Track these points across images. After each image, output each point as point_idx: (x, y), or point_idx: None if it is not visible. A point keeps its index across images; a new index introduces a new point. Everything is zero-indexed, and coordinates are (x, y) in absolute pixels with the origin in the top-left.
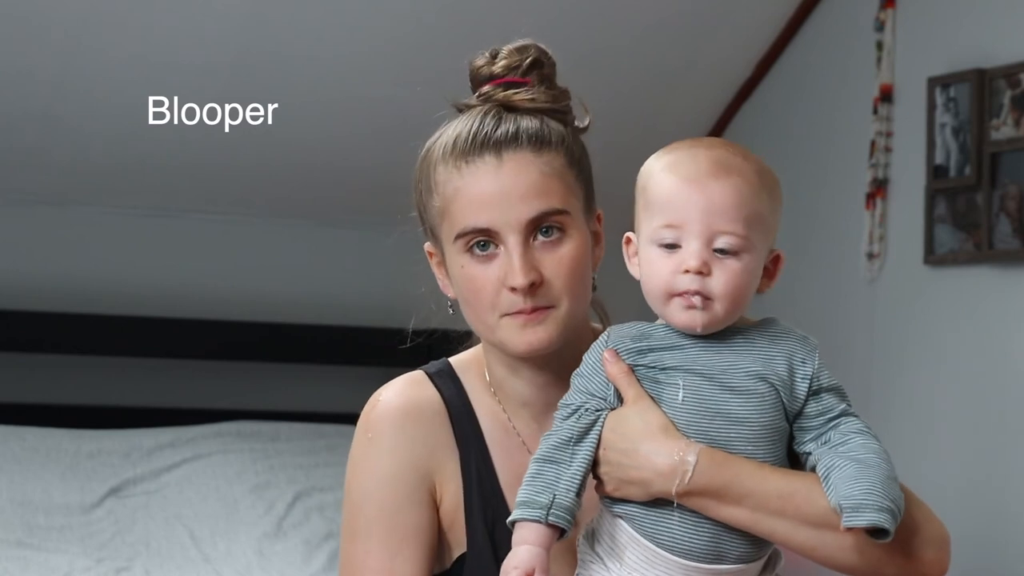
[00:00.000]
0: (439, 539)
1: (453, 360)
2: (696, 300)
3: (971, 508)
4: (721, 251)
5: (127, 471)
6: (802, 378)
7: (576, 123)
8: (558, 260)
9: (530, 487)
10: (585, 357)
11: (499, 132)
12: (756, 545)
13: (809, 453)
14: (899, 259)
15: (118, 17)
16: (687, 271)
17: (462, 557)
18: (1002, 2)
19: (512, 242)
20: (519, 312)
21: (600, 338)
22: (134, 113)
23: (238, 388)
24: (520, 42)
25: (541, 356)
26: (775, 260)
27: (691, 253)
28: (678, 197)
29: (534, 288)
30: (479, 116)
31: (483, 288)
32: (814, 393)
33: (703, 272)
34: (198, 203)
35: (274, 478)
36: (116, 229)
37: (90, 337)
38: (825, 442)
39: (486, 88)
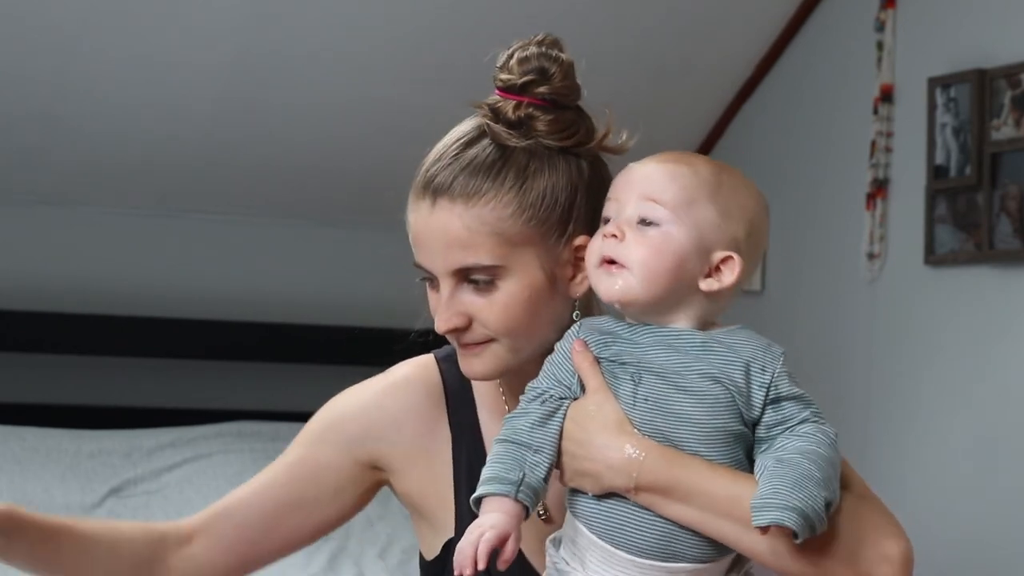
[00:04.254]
0: (422, 524)
1: None
2: (612, 268)
3: (970, 508)
4: (644, 221)
5: (128, 471)
6: (759, 386)
7: (578, 140)
8: (488, 306)
9: (498, 464)
10: (558, 345)
11: (443, 175)
12: (713, 546)
13: None
14: (899, 259)
15: (118, 17)
16: (604, 236)
17: (450, 542)
18: (1002, 2)
19: (442, 285)
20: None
21: (572, 328)
22: (134, 113)
23: (238, 388)
24: (530, 48)
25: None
26: (724, 260)
27: (610, 224)
28: (622, 176)
29: (458, 331)
30: (452, 140)
31: (432, 312)
32: (772, 401)
33: (616, 236)
34: (198, 203)
35: None
36: (116, 229)
37: (90, 337)
38: (769, 447)
39: (492, 97)
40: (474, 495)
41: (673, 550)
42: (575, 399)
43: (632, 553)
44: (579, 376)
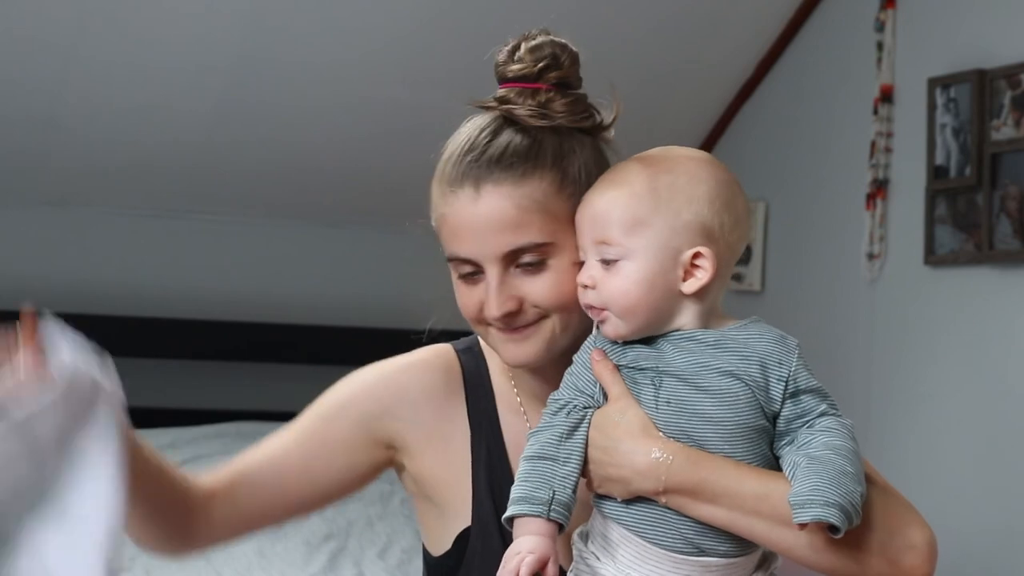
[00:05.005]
0: (432, 512)
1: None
2: (596, 313)
3: (972, 507)
4: (604, 262)
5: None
6: (777, 380)
7: (594, 122)
8: (539, 285)
9: (527, 483)
10: (576, 356)
11: (481, 162)
12: (740, 542)
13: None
14: (899, 259)
15: (118, 18)
16: (581, 287)
17: (466, 532)
18: (1002, 2)
19: (490, 272)
20: (502, 330)
21: (589, 337)
22: (134, 114)
23: (238, 388)
24: (538, 38)
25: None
26: (695, 257)
27: (583, 269)
28: (578, 215)
29: (510, 316)
30: (476, 132)
31: (468, 306)
32: (791, 395)
33: (587, 285)
34: (198, 203)
35: None
36: (116, 229)
37: (90, 337)
38: (792, 442)
39: (500, 91)
40: (505, 515)
41: (706, 546)
42: (598, 407)
43: (665, 548)
44: (600, 384)
